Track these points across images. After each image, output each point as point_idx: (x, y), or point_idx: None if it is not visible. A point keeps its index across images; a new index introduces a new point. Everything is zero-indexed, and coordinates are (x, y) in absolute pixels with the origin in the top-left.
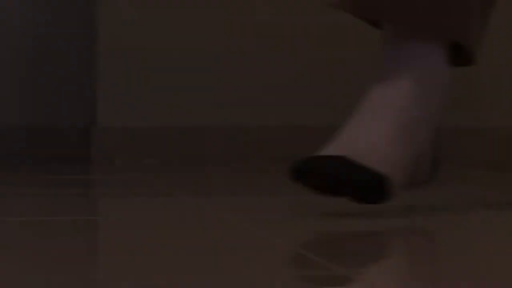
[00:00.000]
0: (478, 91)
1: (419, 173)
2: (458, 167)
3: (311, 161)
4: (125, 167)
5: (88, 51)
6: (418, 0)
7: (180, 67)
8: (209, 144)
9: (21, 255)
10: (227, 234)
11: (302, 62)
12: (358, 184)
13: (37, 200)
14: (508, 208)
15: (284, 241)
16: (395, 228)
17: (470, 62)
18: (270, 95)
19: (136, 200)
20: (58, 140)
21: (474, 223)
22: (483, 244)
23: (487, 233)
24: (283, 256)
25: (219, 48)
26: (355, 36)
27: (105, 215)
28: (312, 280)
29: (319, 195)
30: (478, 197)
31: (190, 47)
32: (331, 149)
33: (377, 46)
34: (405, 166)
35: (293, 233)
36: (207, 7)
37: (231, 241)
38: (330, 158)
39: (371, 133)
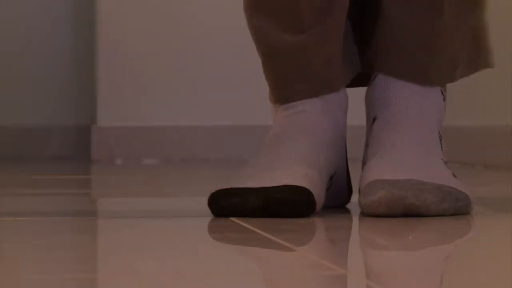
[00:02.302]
0: (475, 90)
1: (336, 193)
2: (456, 166)
3: (233, 195)
4: (125, 167)
5: (88, 51)
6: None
7: (180, 67)
8: (209, 144)
9: (21, 255)
10: (227, 233)
11: None
12: (290, 202)
13: (37, 200)
14: (504, 207)
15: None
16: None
17: None
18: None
19: (136, 200)
20: (58, 140)
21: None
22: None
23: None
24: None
25: (219, 49)
26: None
27: (105, 215)
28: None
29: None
30: (476, 194)
31: (189, 47)
32: (252, 182)
33: None
34: (323, 184)
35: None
36: (207, 8)
37: (231, 241)
38: (253, 190)
39: (286, 157)
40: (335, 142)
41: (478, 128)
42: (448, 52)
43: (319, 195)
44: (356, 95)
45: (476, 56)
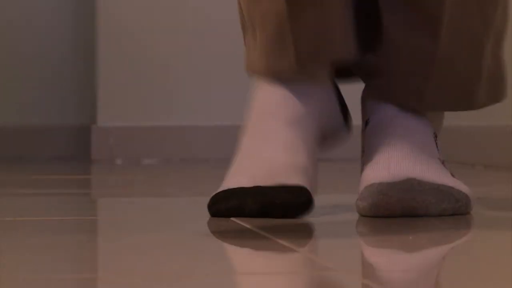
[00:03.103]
0: None
1: (333, 131)
2: (455, 166)
3: (230, 198)
4: (125, 167)
5: (88, 51)
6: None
7: (181, 67)
8: (209, 144)
9: (21, 255)
10: (227, 233)
11: None
12: (288, 205)
13: (37, 200)
14: (504, 207)
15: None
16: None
17: None
18: None
19: (136, 200)
20: (58, 140)
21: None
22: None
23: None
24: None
25: (219, 49)
26: None
27: (105, 215)
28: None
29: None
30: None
31: (189, 48)
32: (244, 181)
33: None
34: (314, 173)
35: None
36: (207, 8)
37: (231, 241)
38: (247, 189)
39: (273, 144)
40: (318, 103)
41: (478, 128)
42: (450, 79)
43: (313, 181)
44: (356, 95)
45: (496, 86)
